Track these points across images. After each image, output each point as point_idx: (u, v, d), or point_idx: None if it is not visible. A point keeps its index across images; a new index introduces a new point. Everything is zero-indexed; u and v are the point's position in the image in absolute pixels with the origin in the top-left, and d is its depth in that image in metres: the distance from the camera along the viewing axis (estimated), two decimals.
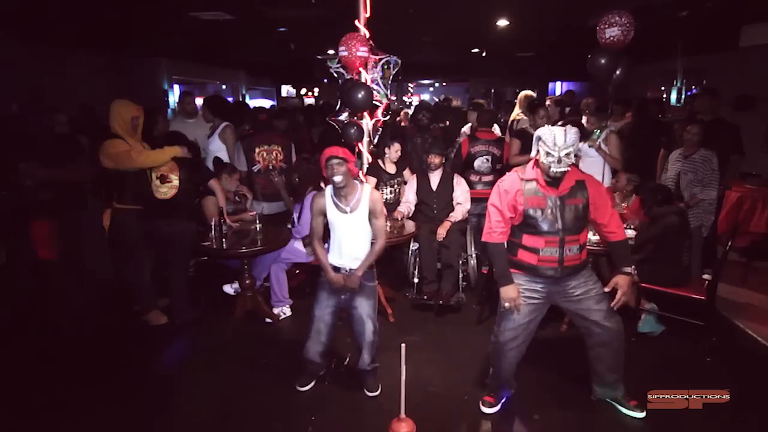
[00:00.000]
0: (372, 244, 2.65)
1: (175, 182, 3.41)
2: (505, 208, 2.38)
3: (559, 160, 2.23)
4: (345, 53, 3.86)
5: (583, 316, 2.44)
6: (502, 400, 2.65)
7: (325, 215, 2.60)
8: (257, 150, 4.17)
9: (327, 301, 2.67)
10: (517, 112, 5.75)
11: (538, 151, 2.31)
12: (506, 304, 2.39)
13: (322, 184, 3.69)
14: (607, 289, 2.39)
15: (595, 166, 4.12)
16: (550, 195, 2.33)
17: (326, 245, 2.73)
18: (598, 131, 4.22)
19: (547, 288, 2.43)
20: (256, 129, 4.79)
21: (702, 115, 4.23)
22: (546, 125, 4.41)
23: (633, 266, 2.38)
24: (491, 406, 2.62)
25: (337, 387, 2.82)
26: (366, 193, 2.57)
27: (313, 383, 2.81)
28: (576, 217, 2.33)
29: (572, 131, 2.27)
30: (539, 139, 2.30)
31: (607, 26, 3.20)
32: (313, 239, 2.65)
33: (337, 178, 2.46)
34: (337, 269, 2.64)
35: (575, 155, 2.41)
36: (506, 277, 2.40)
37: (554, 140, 2.23)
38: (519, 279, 2.46)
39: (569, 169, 2.29)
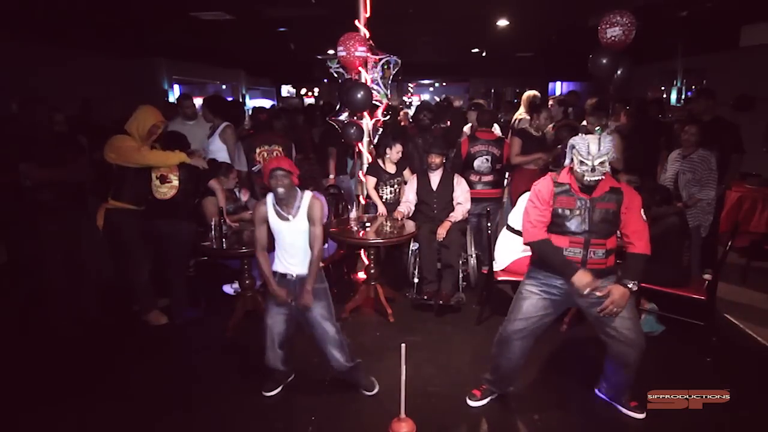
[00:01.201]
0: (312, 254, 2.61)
1: (175, 182, 3.41)
2: (544, 204, 2.37)
3: (593, 169, 2.22)
4: (343, 53, 3.87)
5: (602, 320, 2.39)
6: (489, 397, 2.66)
7: (267, 223, 2.58)
8: (258, 150, 4.17)
9: (277, 308, 2.63)
10: (520, 112, 5.76)
11: (572, 159, 2.30)
12: (586, 291, 2.29)
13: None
14: (599, 294, 2.31)
15: None
16: (581, 197, 2.32)
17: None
18: (599, 129, 4.22)
19: (566, 286, 2.40)
20: (256, 129, 4.79)
21: (701, 116, 4.24)
22: (547, 126, 4.46)
23: (636, 283, 2.30)
24: (477, 399, 2.63)
25: (337, 387, 2.81)
26: (305, 200, 2.56)
27: (279, 389, 2.77)
28: (604, 220, 2.31)
29: (607, 139, 2.25)
30: (573, 147, 2.29)
31: (608, 26, 3.20)
32: (256, 248, 2.62)
33: (280, 190, 2.46)
34: (283, 276, 2.61)
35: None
36: (569, 266, 2.32)
37: (588, 149, 2.22)
38: (539, 274, 2.45)
39: (603, 177, 2.28)
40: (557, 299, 2.44)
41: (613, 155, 2.32)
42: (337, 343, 2.62)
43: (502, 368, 2.58)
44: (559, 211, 2.34)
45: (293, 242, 2.57)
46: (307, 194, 2.59)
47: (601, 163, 2.22)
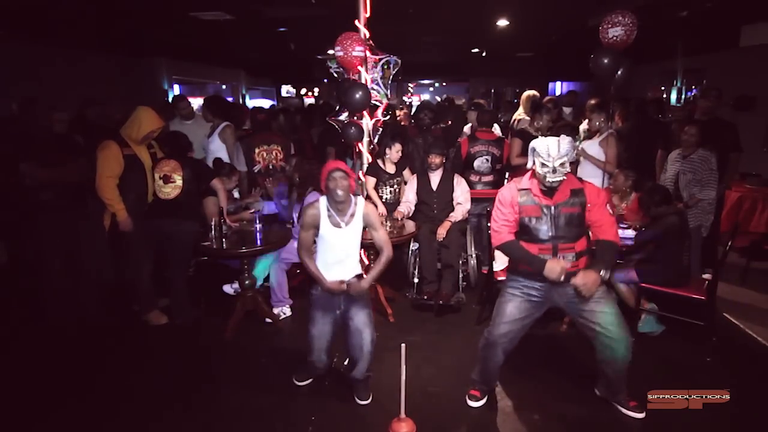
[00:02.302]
0: (379, 255, 2.63)
1: (179, 182, 3.40)
2: (508, 207, 2.41)
3: (554, 170, 2.27)
4: (341, 53, 3.86)
5: (584, 317, 2.42)
6: (487, 395, 2.69)
7: (317, 227, 2.53)
8: (257, 150, 4.18)
9: (323, 319, 2.61)
10: (519, 112, 5.74)
11: (534, 162, 2.34)
12: (558, 277, 2.29)
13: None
14: (574, 280, 2.29)
15: (593, 166, 4.12)
16: (544, 203, 2.35)
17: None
18: (580, 138, 4.25)
19: (545, 287, 2.44)
20: (255, 129, 4.79)
21: (701, 116, 4.23)
22: (548, 127, 4.46)
23: (607, 272, 2.31)
24: (477, 399, 2.66)
25: (337, 387, 2.81)
26: (360, 207, 2.55)
27: (311, 380, 2.81)
28: (570, 224, 2.35)
29: (566, 141, 2.30)
30: (534, 150, 2.33)
31: (610, 26, 3.20)
32: (301, 251, 2.57)
33: (340, 192, 2.43)
34: None
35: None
36: (536, 260, 2.34)
37: (548, 151, 2.27)
38: (519, 276, 2.49)
39: (565, 178, 2.32)
40: (538, 301, 2.48)
41: (573, 156, 2.36)
42: (368, 354, 2.60)
43: (489, 370, 2.61)
44: (526, 219, 2.38)
45: (345, 250, 2.55)
46: (361, 200, 2.57)
47: (562, 164, 2.26)
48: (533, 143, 2.36)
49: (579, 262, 2.39)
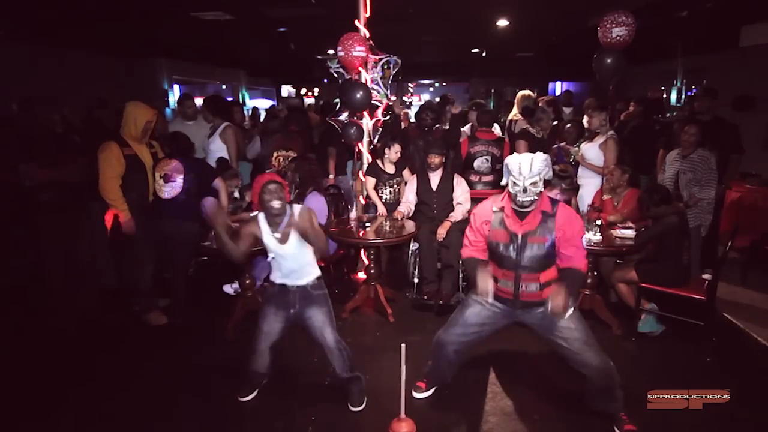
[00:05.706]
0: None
1: (179, 181, 3.40)
2: (476, 231, 2.41)
3: (525, 190, 2.19)
4: (342, 53, 3.87)
5: (554, 333, 2.34)
6: (434, 388, 2.71)
7: (255, 238, 2.51)
8: (275, 154, 4.21)
9: (275, 315, 2.59)
10: (514, 113, 5.73)
11: (506, 180, 2.29)
12: (484, 294, 2.29)
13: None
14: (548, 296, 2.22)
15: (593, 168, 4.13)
16: (513, 232, 2.29)
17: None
18: (577, 147, 4.26)
19: (510, 309, 2.43)
20: (282, 132, 4.85)
21: (701, 116, 4.24)
22: (550, 126, 4.45)
23: (575, 302, 2.25)
24: (422, 391, 2.69)
25: (337, 387, 2.81)
26: (294, 213, 2.51)
27: (255, 393, 2.74)
28: (537, 256, 2.28)
29: (539, 159, 2.22)
30: (507, 167, 2.27)
31: (614, 26, 3.21)
32: (233, 248, 2.46)
33: (276, 204, 2.42)
34: (283, 286, 2.58)
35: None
36: (477, 274, 2.31)
37: (519, 169, 2.20)
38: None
39: (537, 198, 2.24)
40: (500, 313, 2.45)
41: (548, 175, 2.27)
42: (335, 353, 2.59)
43: (439, 368, 2.63)
44: (493, 244, 2.35)
45: (294, 257, 2.53)
46: (296, 208, 2.53)
47: (533, 183, 2.19)
48: (507, 160, 2.29)
49: (543, 293, 2.31)
